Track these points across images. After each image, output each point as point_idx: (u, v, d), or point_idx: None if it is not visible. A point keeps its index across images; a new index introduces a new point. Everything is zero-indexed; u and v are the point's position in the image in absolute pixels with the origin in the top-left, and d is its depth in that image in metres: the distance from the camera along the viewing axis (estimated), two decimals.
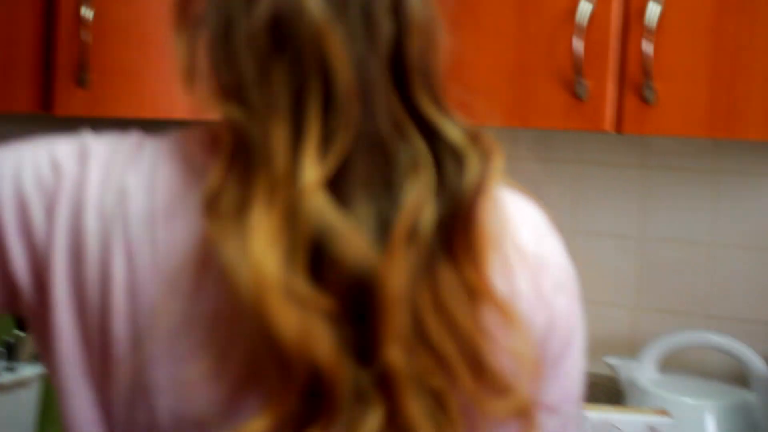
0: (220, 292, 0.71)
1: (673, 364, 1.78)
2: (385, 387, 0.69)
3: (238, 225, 0.69)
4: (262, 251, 0.67)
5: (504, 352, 0.74)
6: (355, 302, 0.69)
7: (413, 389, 0.69)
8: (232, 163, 0.71)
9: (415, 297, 0.70)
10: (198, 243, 0.73)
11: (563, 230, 1.99)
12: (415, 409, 0.69)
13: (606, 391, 1.85)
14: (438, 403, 0.70)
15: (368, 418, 0.68)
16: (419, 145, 0.72)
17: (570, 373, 0.84)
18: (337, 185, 0.70)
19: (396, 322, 0.68)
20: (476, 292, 0.73)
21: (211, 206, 0.71)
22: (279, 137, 0.69)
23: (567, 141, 1.89)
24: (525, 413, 0.75)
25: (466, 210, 0.73)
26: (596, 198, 1.88)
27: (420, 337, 0.70)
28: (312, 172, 0.68)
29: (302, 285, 0.68)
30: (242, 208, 0.69)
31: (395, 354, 0.68)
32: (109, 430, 0.76)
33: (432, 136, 0.73)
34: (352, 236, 0.68)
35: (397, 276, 0.68)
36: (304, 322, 0.67)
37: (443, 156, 0.73)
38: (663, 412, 1.45)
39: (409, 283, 0.69)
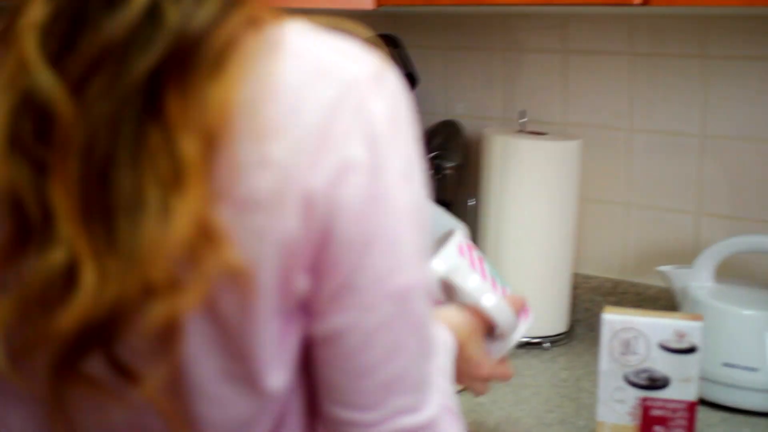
0: None
1: (734, 274, 1.61)
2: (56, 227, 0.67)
3: None
4: None
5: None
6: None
7: (86, 233, 0.67)
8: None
9: (107, 148, 0.66)
10: None
11: (620, 129, 1.84)
12: (85, 252, 0.66)
13: (665, 305, 1.70)
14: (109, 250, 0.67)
15: (49, 255, 0.67)
16: None
17: (378, 266, 0.73)
18: (60, 19, 0.67)
19: (67, 163, 0.66)
20: (174, 156, 0.66)
21: None
22: None
23: (620, 30, 1.73)
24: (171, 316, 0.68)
25: (191, 55, 0.66)
26: (654, 92, 1.72)
27: (100, 185, 0.66)
28: (36, 9, 0.67)
29: (23, 133, 0.67)
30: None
31: (60, 192, 0.66)
32: None
33: None
34: (43, 73, 0.66)
35: (77, 114, 0.65)
36: (13, 171, 0.68)
37: None
38: (696, 317, 1.30)
39: (101, 131, 0.65)
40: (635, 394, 1.30)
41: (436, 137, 1.89)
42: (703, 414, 1.44)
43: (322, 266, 0.72)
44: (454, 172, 1.86)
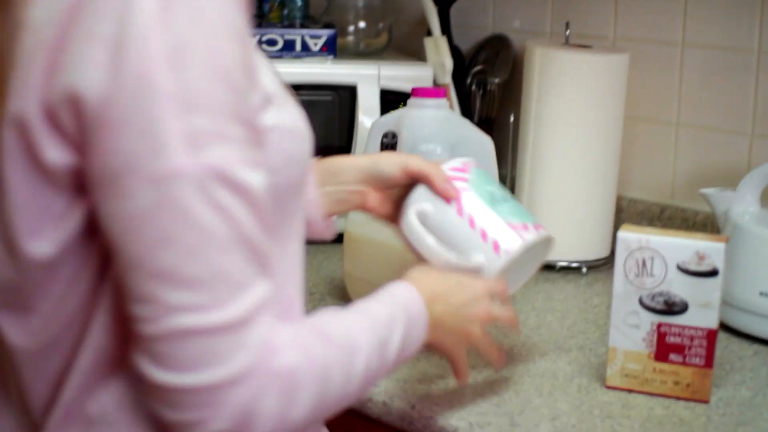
0: None
1: None
2: None
3: None
4: None
5: None
6: None
7: None
8: None
9: None
10: None
11: (668, 44, 1.73)
12: None
13: (713, 231, 1.59)
14: None
15: None
16: None
17: (132, 150, 0.72)
18: None
19: None
20: None
21: None
22: None
23: None
24: None
25: None
26: (709, 4, 1.60)
27: None
28: None
29: None
30: None
31: None
32: None
33: None
34: None
35: None
36: None
37: None
38: (719, 239, 1.20)
39: None
40: (650, 319, 1.21)
41: (482, 52, 1.81)
42: (736, 345, 1.35)
43: (83, 146, 0.73)
44: (499, 89, 1.78)
